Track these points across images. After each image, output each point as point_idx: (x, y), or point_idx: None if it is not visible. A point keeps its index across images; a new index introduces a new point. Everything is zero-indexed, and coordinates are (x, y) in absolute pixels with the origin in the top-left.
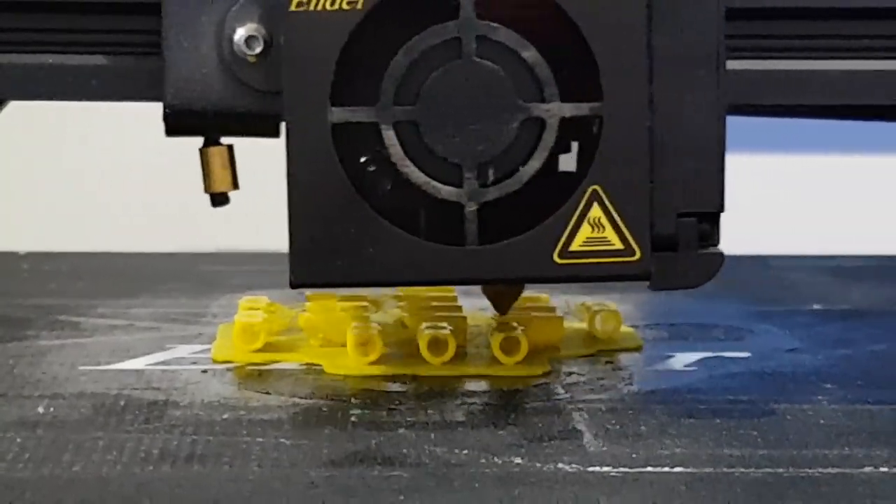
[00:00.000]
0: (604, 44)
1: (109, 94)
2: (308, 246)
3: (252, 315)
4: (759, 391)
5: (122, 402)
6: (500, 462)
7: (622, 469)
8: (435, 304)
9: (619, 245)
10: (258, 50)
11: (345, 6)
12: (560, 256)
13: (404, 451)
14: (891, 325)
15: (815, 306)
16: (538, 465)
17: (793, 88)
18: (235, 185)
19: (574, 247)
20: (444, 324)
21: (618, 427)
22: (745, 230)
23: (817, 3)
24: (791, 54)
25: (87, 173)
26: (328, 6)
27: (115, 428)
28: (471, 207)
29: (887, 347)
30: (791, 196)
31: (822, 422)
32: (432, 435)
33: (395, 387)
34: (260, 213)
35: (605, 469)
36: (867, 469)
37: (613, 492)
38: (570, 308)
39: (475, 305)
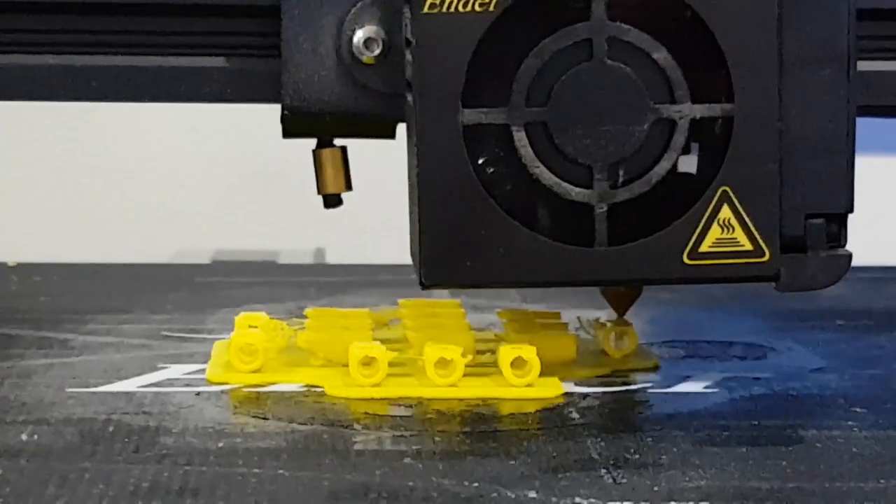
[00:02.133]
0: (735, 44)
1: (227, 96)
2: (438, 247)
3: (249, 333)
4: (785, 416)
5: (110, 428)
6: (513, 496)
7: None
8: (441, 320)
9: (748, 246)
10: (377, 52)
11: (477, 8)
12: (689, 257)
13: (410, 483)
14: None
15: (838, 321)
16: (553, 499)
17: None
18: (349, 187)
19: (704, 248)
20: (452, 342)
21: (637, 456)
22: None
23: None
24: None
25: (81, 181)
26: (460, 8)
27: (103, 457)
28: (601, 209)
29: None
30: None
31: (854, 450)
32: (440, 465)
33: (400, 410)
34: (257, 219)
35: None
36: None
37: None
38: (582, 324)
39: (483, 321)
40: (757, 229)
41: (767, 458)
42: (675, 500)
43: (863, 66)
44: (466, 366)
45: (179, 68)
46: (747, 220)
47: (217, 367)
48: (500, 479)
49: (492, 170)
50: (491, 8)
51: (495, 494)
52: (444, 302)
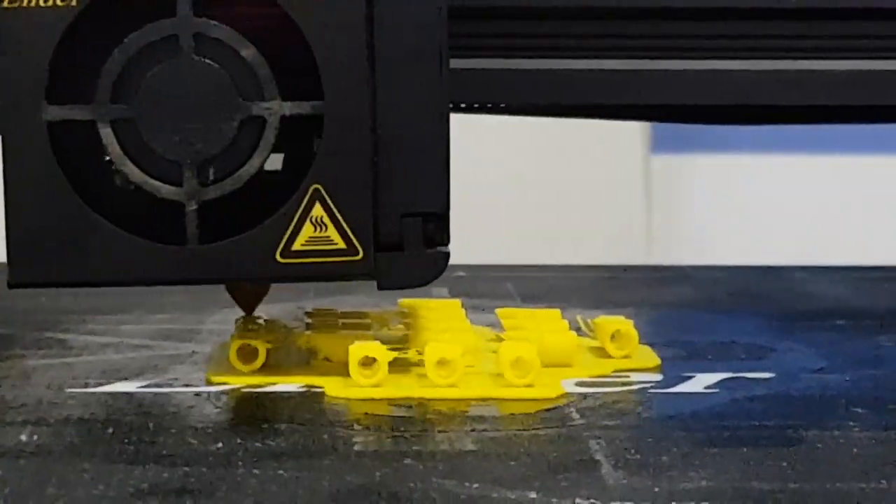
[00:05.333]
0: (323, 42)
1: None
2: (26, 246)
3: (249, 333)
4: (785, 416)
5: (110, 429)
6: (513, 497)
7: None
8: (441, 319)
9: (341, 244)
10: None
11: (58, 3)
12: (283, 255)
13: (411, 484)
14: None
15: (838, 321)
16: (554, 499)
17: (518, 87)
18: None
19: (296, 246)
20: (451, 342)
21: (638, 457)
22: (760, 239)
23: (542, 3)
24: (515, 53)
25: None
26: (41, 3)
27: (103, 458)
28: (191, 207)
29: None
30: (809, 202)
31: (855, 451)
32: (440, 466)
33: (401, 411)
34: None
35: None
36: None
37: None
38: (583, 324)
39: (485, 321)
40: (350, 228)
41: (768, 459)
42: (675, 501)
43: (458, 63)
44: (466, 366)
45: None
46: (340, 218)
47: (217, 368)
48: (500, 479)
49: (83, 167)
50: (73, 3)
51: (496, 495)
52: (445, 302)
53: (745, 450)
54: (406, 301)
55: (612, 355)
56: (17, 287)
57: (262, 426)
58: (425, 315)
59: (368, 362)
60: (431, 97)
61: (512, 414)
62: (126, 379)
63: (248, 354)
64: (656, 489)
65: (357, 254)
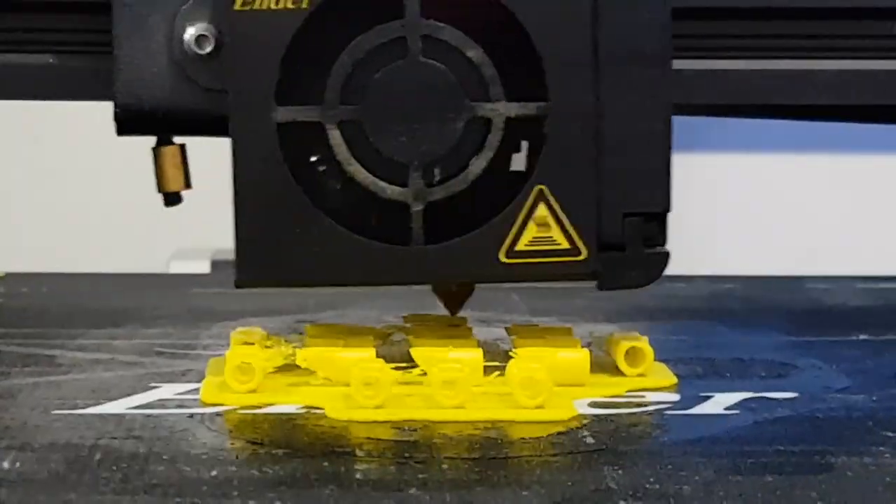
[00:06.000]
0: (549, 43)
1: (58, 94)
2: (255, 246)
3: (246, 350)
4: (811, 440)
5: (97, 455)
6: None
7: None
8: (447, 335)
9: (565, 245)
10: (209, 48)
11: (290, 5)
12: (506, 256)
13: None
14: None
15: (862, 336)
16: None
17: (740, 88)
18: (188, 185)
19: (520, 246)
20: (458, 361)
21: (657, 486)
22: (778, 248)
23: (763, 3)
24: (739, 54)
25: (72, 185)
26: (273, 5)
27: (89, 487)
28: (416, 207)
29: None
30: (829, 210)
31: (888, 480)
32: (447, 496)
33: (405, 435)
34: None
35: None
36: None
37: None
38: (595, 340)
39: (492, 336)
40: (573, 228)
41: (795, 488)
42: None
43: (679, 64)
44: (474, 385)
45: (8, 66)
46: (563, 218)
47: (212, 387)
48: None
49: (309, 168)
50: (304, 5)
51: None
52: (450, 318)
53: (770, 478)
54: (411, 316)
55: (627, 374)
56: (244, 287)
57: (259, 452)
58: (430, 329)
59: (371, 382)
60: (655, 98)
61: (522, 438)
62: (116, 399)
63: (244, 373)
64: None
65: (580, 254)
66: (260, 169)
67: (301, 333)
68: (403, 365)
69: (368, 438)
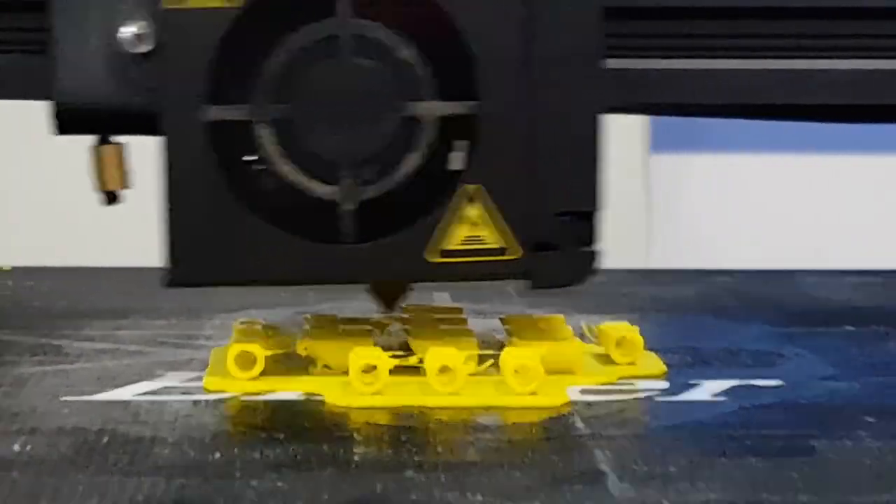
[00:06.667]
0: (481, 42)
1: None
2: (184, 245)
3: (248, 340)
4: (795, 425)
5: (105, 439)
6: None
7: None
8: (443, 326)
9: (496, 244)
10: (146, 47)
11: (220, 4)
12: (437, 255)
13: (413, 496)
14: None
15: (847, 327)
16: None
17: (674, 87)
18: (127, 185)
19: (451, 246)
20: (453, 349)
21: (645, 468)
22: (766, 243)
23: (692, 3)
24: (671, 53)
25: (75, 181)
26: (203, 4)
27: (97, 469)
28: (347, 206)
29: None
30: (816, 206)
31: (867, 462)
32: (442, 477)
33: (402, 420)
34: None
35: None
36: None
37: None
38: (587, 331)
39: (487, 326)
40: (505, 228)
41: (778, 470)
42: None
43: (611, 63)
44: (469, 374)
45: None
46: (495, 218)
47: (214, 375)
48: (504, 491)
49: (242, 167)
50: (234, 4)
51: None
52: (446, 308)
53: (754, 460)
54: (407, 306)
55: (617, 362)
56: (176, 286)
57: (261, 436)
58: (426, 319)
59: (369, 370)
60: (587, 97)
61: (515, 423)
62: (122, 386)
63: (246, 361)
64: (664, 501)
65: (511, 253)
66: (190, 168)
67: (301, 324)
68: (401, 354)
69: (366, 423)
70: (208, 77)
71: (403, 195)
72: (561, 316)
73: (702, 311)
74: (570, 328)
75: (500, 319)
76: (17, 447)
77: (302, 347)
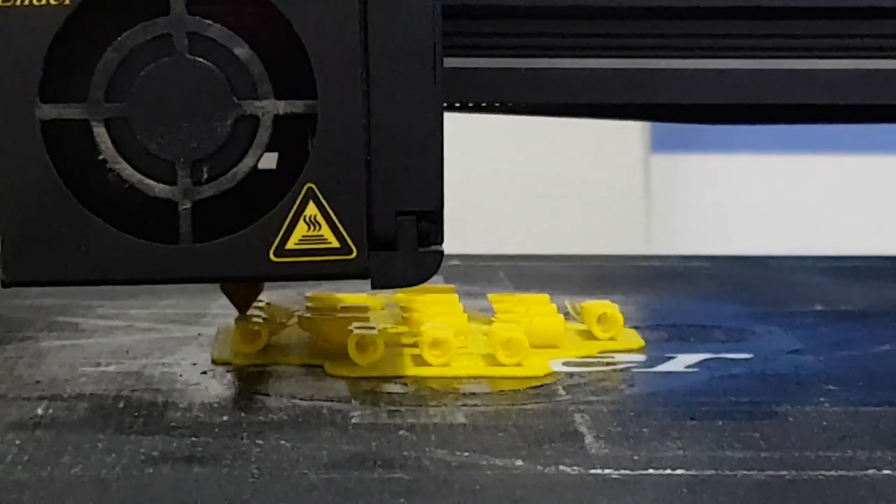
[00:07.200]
0: (317, 41)
1: None
2: (19, 244)
3: (251, 316)
4: (761, 393)
5: (121, 404)
6: (500, 464)
7: (624, 471)
8: (435, 304)
9: (335, 243)
10: None
11: (52, 1)
12: (276, 255)
13: (405, 453)
14: (893, 326)
15: (817, 307)
16: (539, 467)
17: (512, 86)
18: None
19: (290, 245)
20: (445, 324)
21: (619, 429)
22: (743, 230)
23: (532, 3)
24: (511, 52)
25: None
26: (35, 1)
27: (115, 429)
28: (184, 205)
29: (890, 349)
30: (790, 196)
31: (824, 424)
32: (433, 437)
33: (396, 388)
34: None
35: (607, 471)
36: (870, 472)
37: (615, 494)
38: (570, 308)
39: (477, 306)
40: (344, 227)
41: (741, 431)
42: (653, 468)
43: (450, 62)
44: (459, 346)
45: None
46: (333, 217)
47: (222, 349)
48: (489, 449)
49: (79, 166)
50: (66, 1)
51: (484, 462)
52: (439, 287)
53: (720, 423)
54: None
55: (599, 337)
56: (11, 286)
57: (264, 401)
58: (420, 299)
59: (366, 344)
60: (425, 96)
61: (501, 391)
62: (135, 359)
63: (251, 336)
64: (635, 457)
65: (351, 253)
66: (24, 167)
67: (302, 301)
68: (395, 329)
69: (363, 391)
70: (42, 75)
71: (242, 194)
72: (546, 295)
73: (682, 293)
74: (554, 306)
75: (489, 298)
76: (39, 411)
77: (303, 324)
